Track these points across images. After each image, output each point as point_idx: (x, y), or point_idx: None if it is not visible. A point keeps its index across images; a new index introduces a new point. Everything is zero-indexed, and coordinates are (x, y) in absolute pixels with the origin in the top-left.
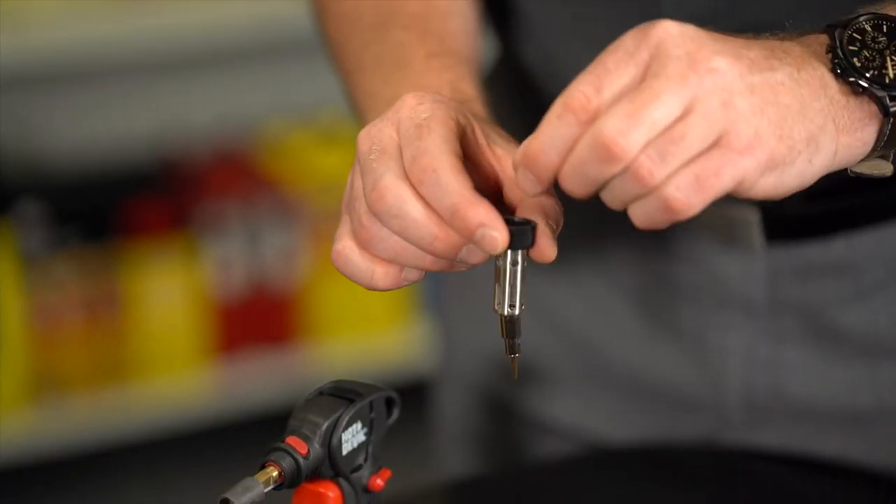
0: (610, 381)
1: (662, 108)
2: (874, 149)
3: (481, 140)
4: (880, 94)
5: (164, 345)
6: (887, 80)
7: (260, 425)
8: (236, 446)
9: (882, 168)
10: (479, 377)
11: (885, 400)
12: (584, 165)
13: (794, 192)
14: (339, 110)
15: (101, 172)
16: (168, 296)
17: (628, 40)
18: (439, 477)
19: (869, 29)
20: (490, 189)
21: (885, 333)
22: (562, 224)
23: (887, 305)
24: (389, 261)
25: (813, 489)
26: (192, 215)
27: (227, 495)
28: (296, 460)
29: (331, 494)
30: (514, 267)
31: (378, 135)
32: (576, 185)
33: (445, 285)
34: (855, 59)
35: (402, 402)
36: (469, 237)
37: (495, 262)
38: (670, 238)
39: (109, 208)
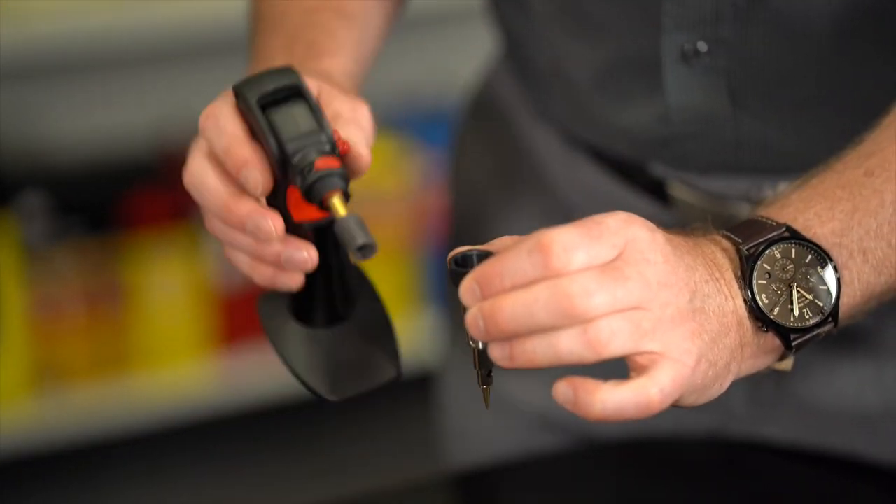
0: (614, 375)
1: (625, 293)
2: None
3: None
4: (784, 332)
5: (165, 336)
6: (791, 319)
7: (261, 416)
8: (238, 437)
9: (784, 364)
10: None
11: (892, 399)
12: (535, 305)
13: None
14: None
15: (103, 164)
16: (170, 287)
17: (612, 222)
18: (442, 468)
19: (778, 256)
20: None
21: (891, 333)
22: None
23: (893, 304)
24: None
25: (819, 482)
26: (194, 207)
27: (363, 242)
28: (343, 174)
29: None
30: None
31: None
32: (512, 320)
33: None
34: (763, 296)
35: (407, 394)
36: (238, 177)
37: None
38: (674, 230)
39: (111, 200)
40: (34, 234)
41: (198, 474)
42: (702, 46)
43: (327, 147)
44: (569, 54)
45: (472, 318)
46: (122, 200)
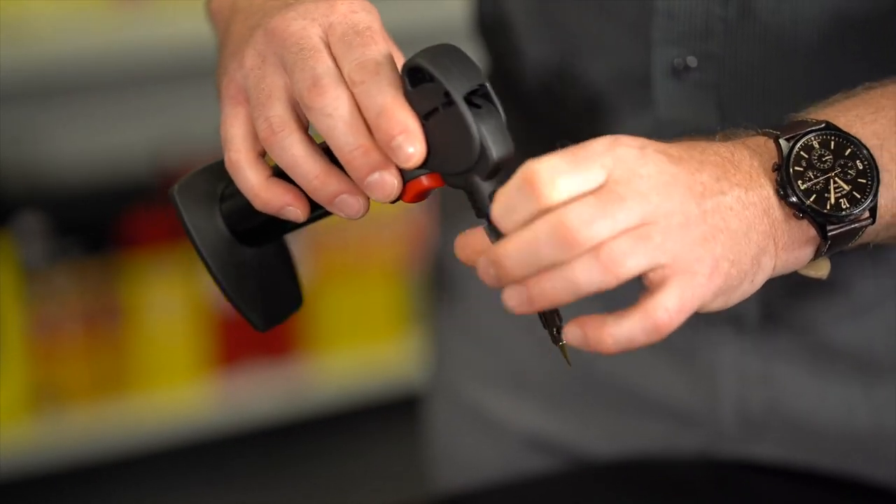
0: (603, 396)
1: (625, 213)
2: (813, 260)
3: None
4: (820, 220)
5: (164, 356)
6: (828, 206)
7: (259, 437)
8: (236, 458)
9: (819, 269)
10: (469, 392)
11: (883, 419)
12: (537, 243)
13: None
14: None
15: (101, 184)
16: (168, 307)
17: (598, 145)
18: (430, 490)
19: (817, 146)
20: None
21: (879, 352)
22: None
23: (881, 324)
24: (280, 180)
25: (811, 502)
26: None
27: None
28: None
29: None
30: None
31: (303, 33)
32: (518, 263)
33: (437, 300)
34: (799, 182)
35: (401, 415)
36: (388, 143)
37: None
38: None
39: (109, 220)
40: (33, 255)
41: (196, 495)
42: (691, 61)
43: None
44: (556, 73)
45: (483, 269)
46: (120, 221)
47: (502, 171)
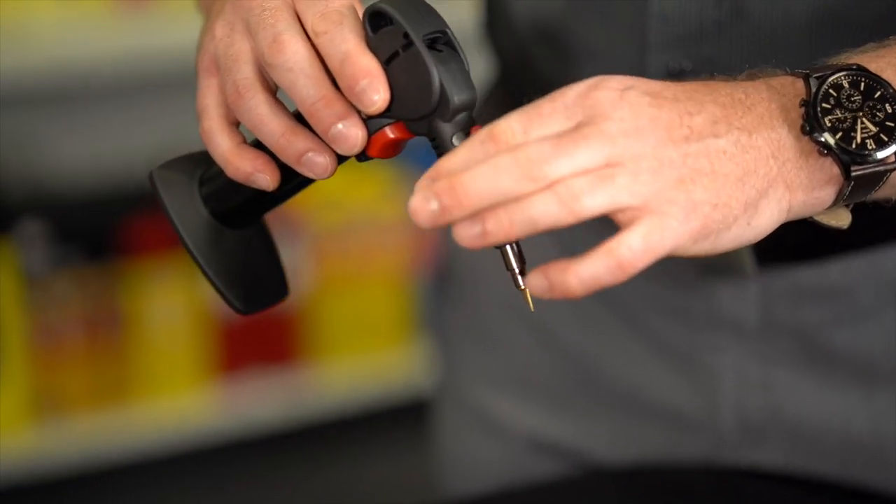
0: (606, 401)
1: (587, 152)
2: (835, 203)
3: None
4: (844, 158)
5: (165, 364)
6: (854, 146)
7: (262, 444)
8: (238, 465)
9: (840, 218)
10: (475, 394)
11: (882, 425)
12: (497, 172)
13: (735, 249)
14: None
15: (103, 191)
16: (170, 314)
17: (570, 94)
18: (438, 496)
19: (846, 85)
20: None
21: (879, 358)
22: None
23: (881, 330)
24: (251, 147)
25: None
26: None
27: None
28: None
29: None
30: None
31: None
32: (475, 191)
33: (447, 304)
34: (826, 119)
35: (404, 422)
36: (352, 88)
37: None
38: (664, 259)
39: (111, 227)
40: (34, 262)
41: (197, 502)
42: (686, 64)
43: (470, 120)
44: (556, 78)
45: (420, 201)
46: (121, 228)
47: (464, 115)
